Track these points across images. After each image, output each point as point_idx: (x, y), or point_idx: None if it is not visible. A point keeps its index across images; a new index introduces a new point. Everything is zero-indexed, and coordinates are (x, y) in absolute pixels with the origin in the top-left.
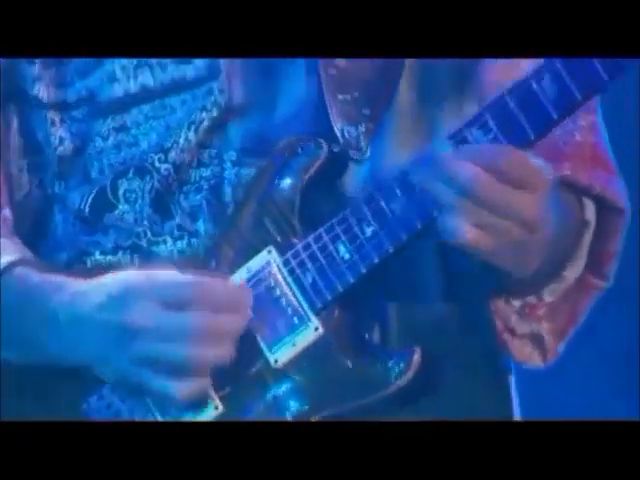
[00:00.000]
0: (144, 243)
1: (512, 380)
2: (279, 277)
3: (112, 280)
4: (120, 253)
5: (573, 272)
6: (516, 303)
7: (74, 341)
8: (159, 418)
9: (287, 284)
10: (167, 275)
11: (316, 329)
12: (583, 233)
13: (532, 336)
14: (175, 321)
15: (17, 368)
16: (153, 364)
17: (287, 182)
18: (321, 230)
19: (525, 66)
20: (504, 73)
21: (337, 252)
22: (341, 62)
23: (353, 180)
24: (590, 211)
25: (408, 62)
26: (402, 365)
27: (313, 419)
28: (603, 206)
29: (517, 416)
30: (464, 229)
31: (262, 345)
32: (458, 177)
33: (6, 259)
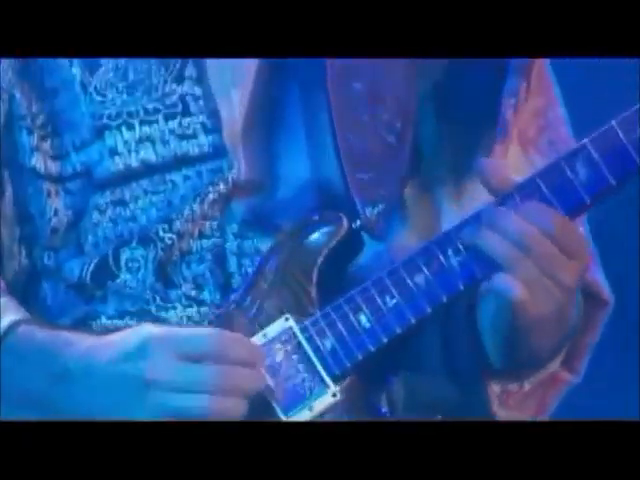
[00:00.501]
0: (153, 308)
1: None
2: (297, 344)
3: (131, 333)
4: (127, 318)
5: (554, 364)
6: (496, 389)
7: (86, 396)
8: None
9: (305, 351)
10: (186, 329)
11: (334, 395)
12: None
13: None
14: (191, 373)
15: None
16: (166, 415)
17: (306, 254)
18: (340, 301)
19: (524, 161)
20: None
21: (358, 322)
22: (350, 137)
23: (371, 256)
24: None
25: (410, 148)
26: None
27: None
28: (587, 296)
29: None
30: (516, 285)
31: (277, 409)
32: (515, 231)
33: (9, 318)
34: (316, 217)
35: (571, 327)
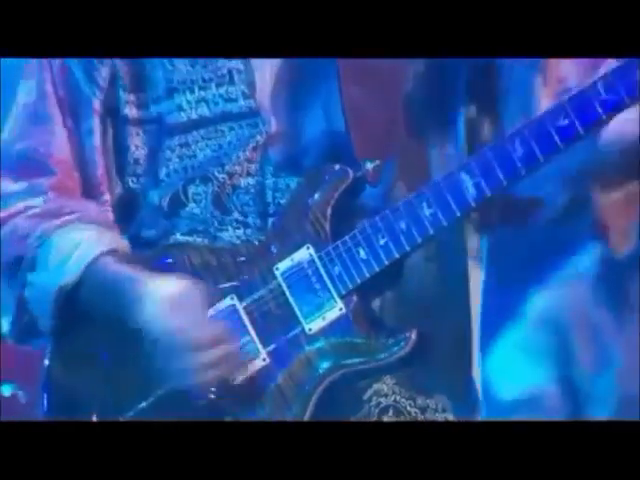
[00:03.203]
0: (211, 230)
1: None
2: (315, 268)
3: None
4: (195, 235)
5: None
6: None
7: (137, 327)
8: None
9: (320, 274)
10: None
11: (340, 309)
12: None
13: None
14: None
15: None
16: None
17: (322, 197)
18: (347, 237)
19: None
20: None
21: (358, 254)
22: (360, 103)
23: (370, 199)
24: None
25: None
26: (402, 344)
27: (330, 378)
28: None
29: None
30: None
31: (300, 316)
32: None
33: (97, 249)
34: (332, 167)
35: None
